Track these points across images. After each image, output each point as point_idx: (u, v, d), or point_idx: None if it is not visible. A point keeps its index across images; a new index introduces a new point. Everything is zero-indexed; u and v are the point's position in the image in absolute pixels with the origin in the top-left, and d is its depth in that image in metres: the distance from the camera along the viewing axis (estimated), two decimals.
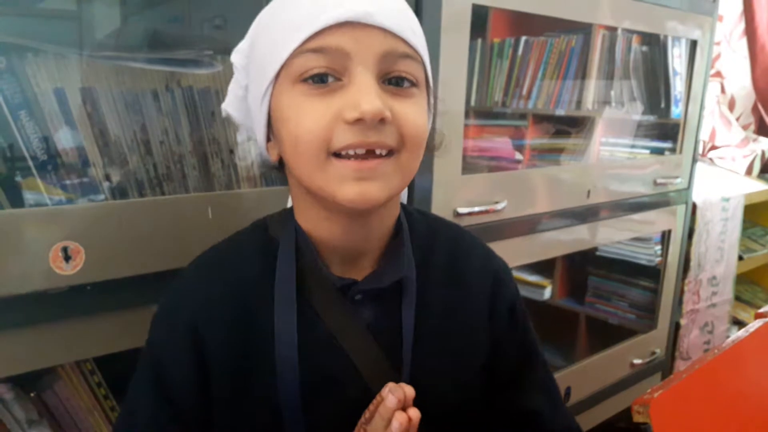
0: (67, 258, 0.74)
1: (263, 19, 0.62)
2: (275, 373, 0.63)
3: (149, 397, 0.64)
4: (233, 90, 0.67)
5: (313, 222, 0.65)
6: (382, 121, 0.55)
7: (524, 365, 0.76)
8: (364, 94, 0.54)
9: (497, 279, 0.74)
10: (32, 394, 0.83)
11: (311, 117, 0.56)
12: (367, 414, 0.60)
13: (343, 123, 0.55)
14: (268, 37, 0.59)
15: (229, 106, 0.68)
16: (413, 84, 0.59)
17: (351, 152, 0.56)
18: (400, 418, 0.57)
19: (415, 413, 0.58)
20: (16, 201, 0.76)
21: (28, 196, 0.77)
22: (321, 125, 0.55)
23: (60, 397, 0.85)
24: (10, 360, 0.75)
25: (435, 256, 0.72)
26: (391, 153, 0.58)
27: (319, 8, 0.55)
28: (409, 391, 0.59)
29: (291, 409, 0.63)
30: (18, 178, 0.77)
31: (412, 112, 0.58)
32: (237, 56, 0.65)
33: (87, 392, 0.87)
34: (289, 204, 0.70)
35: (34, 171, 0.77)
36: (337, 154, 0.56)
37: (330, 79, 0.56)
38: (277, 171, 0.68)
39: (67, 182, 0.79)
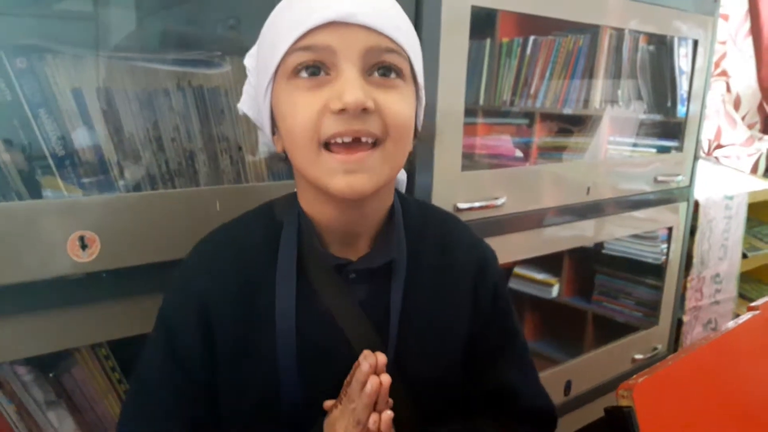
0: (83, 246, 0.78)
1: (267, 25, 0.68)
2: (275, 343, 0.68)
3: (160, 362, 0.69)
4: (247, 90, 0.73)
5: (313, 205, 0.70)
6: (366, 110, 0.60)
7: (503, 345, 0.81)
8: (347, 86, 0.59)
9: (482, 264, 0.79)
10: (51, 375, 0.87)
11: (302, 109, 0.61)
12: (348, 377, 0.65)
13: (330, 113, 0.60)
14: (269, 40, 0.65)
15: (243, 105, 0.74)
16: (398, 75, 0.64)
17: (339, 140, 0.61)
18: (372, 381, 0.62)
19: (386, 378, 0.63)
20: (37, 196, 0.80)
21: (48, 195, 0.81)
22: (311, 116, 0.61)
23: (77, 381, 0.89)
24: (31, 341, 0.79)
25: (425, 241, 0.76)
26: (376, 143, 0.62)
27: (308, 11, 0.60)
28: (381, 358, 0.64)
29: (288, 375, 0.69)
30: (38, 175, 0.80)
31: (396, 102, 0.63)
32: (249, 60, 0.71)
33: (102, 376, 0.91)
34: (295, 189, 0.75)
35: (53, 167, 0.80)
36: (327, 146, 0.62)
37: (321, 73, 0.61)
38: (283, 162, 0.73)
39: (85, 180, 0.83)
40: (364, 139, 0.61)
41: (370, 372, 0.63)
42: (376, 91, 0.62)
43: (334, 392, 0.67)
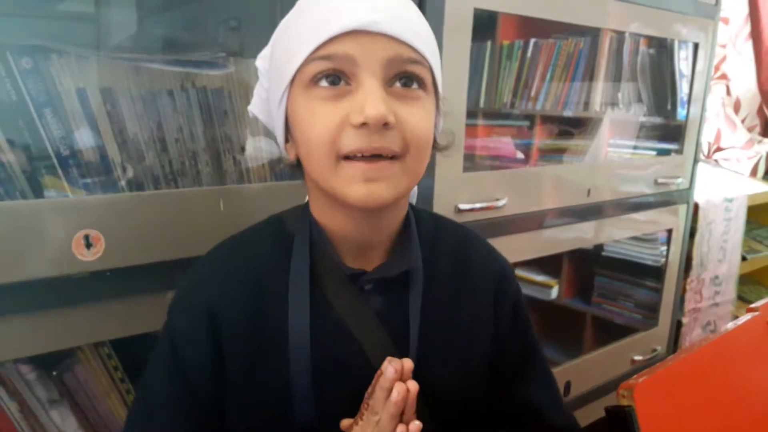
0: (88, 245, 0.78)
1: (281, 28, 0.65)
2: (288, 357, 0.65)
3: (166, 377, 0.67)
4: (258, 92, 0.70)
5: (327, 216, 0.67)
6: (386, 125, 0.57)
7: (526, 359, 0.79)
8: (369, 99, 0.57)
9: (501, 276, 0.77)
10: (54, 373, 0.87)
11: (321, 121, 0.59)
12: (370, 389, 0.63)
13: (350, 127, 0.57)
14: (284, 46, 0.63)
15: (254, 108, 0.71)
16: (420, 86, 0.61)
17: (358, 155, 0.58)
18: (399, 388, 0.59)
19: (413, 385, 0.60)
20: (40, 196, 0.80)
21: (52, 195, 0.81)
22: (330, 129, 0.58)
23: (79, 380, 0.89)
24: (34, 340, 0.79)
25: (441, 251, 0.74)
26: (396, 157, 0.60)
27: (327, 18, 0.58)
28: (408, 364, 0.61)
29: (302, 390, 0.65)
30: (42, 174, 0.81)
31: (417, 117, 0.60)
32: (261, 62, 0.69)
33: (105, 375, 0.91)
34: (306, 199, 0.73)
35: (57, 167, 0.81)
36: (346, 157, 0.59)
37: (341, 82, 0.59)
38: (295, 169, 0.70)
39: (88, 180, 0.83)
40: (384, 154, 0.59)
41: (396, 378, 0.60)
42: (397, 104, 0.59)
43: (350, 407, 0.65)
